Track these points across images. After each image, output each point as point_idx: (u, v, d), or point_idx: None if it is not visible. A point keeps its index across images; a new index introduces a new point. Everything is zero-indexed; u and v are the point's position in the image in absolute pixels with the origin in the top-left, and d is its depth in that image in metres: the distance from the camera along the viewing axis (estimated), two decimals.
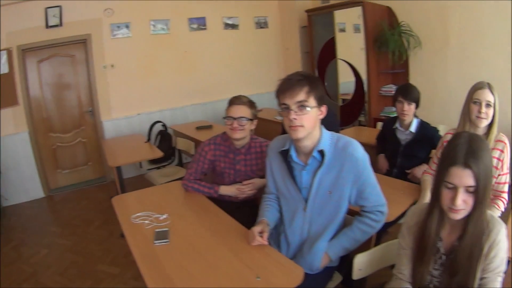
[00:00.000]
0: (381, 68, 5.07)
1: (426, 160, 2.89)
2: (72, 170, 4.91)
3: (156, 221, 1.97)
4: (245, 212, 2.06)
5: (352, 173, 1.74)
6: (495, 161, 2.18)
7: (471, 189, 1.27)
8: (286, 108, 1.65)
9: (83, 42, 4.66)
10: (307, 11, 5.72)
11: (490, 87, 2.18)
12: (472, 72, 4.33)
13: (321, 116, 1.75)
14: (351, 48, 5.27)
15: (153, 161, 4.04)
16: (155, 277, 1.51)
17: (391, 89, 5.02)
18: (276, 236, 1.96)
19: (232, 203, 2.45)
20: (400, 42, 4.80)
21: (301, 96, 1.64)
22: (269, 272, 1.50)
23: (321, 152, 1.75)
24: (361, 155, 1.75)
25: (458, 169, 1.26)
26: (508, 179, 2.20)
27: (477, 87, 2.20)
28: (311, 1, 6.07)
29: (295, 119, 1.63)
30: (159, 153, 3.56)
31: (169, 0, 5.09)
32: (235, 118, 2.37)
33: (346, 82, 5.52)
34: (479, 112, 2.14)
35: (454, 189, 1.29)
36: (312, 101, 1.66)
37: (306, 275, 1.73)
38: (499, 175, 2.17)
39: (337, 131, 3.07)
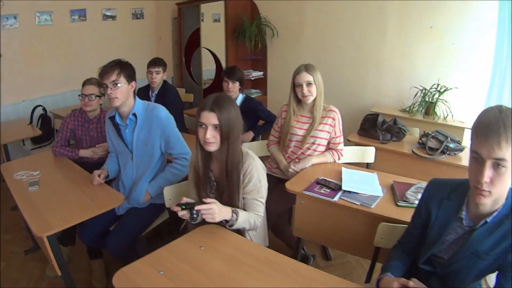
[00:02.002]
0: (240, 55, 5.62)
1: (254, 127, 3.55)
2: None
3: (31, 176, 2.52)
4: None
5: (158, 128, 2.24)
6: (329, 127, 2.50)
7: (217, 127, 1.63)
8: (106, 87, 2.13)
9: None
10: (178, 4, 6.16)
11: (307, 69, 2.41)
12: (324, 57, 4.87)
13: (133, 89, 2.24)
14: (217, 38, 5.64)
15: (36, 142, 4.37)
16: (29, 210, 2.05)
17: (249, 73, 5.59)
18: (117, 182, 2.52)
19: (90, 164, 2.89)
20: (256, 32, 5.37)
21: (113, 77, 2.11)
22: (101, 198, 2.17)
23: (135, 115, 2.25)
24: (164, 115, 2.26)
25: (205, 112, 1.62)
26: (342, 140, 2.58)
27: (296, 72, 2.45)
28: None
29: (111, 93, 2.12)
30: (38, 132, 4.02)
31: None
32: (86, 95, 2.88)
33: (209, 70, 5.97)
34: (303, 92, 2.43)
35: (205, 127, 1.64)
36: (122, 79, 2.13)
37: (137, 209, 2.37)
38: (333, 137, 2.54)
39: (180, 108, 3.89)
